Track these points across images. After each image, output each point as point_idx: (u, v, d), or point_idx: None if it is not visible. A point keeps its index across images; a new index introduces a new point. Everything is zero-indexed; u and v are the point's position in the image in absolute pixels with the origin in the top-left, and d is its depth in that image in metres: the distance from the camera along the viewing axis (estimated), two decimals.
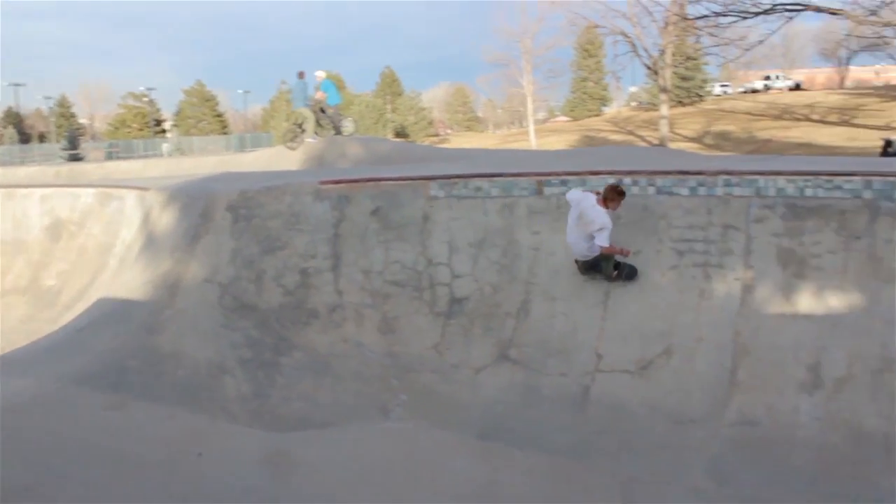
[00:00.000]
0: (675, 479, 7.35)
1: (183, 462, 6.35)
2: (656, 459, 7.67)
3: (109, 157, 56.56)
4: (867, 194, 8.30)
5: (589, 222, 8.77)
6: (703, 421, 8.11)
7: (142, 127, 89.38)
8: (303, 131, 21.23)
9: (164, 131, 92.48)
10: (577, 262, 9.30)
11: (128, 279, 9.80)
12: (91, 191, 13.27)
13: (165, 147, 68.37)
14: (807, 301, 8.31)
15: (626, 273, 9.09)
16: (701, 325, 8.69)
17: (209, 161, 23.68)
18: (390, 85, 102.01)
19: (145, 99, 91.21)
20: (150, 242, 10.33)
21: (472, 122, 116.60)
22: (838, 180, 8.45)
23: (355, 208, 10.48)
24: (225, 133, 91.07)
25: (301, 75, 21.75)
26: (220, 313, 9.15)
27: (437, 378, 9.15)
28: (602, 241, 8.72)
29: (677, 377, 8.53)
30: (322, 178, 10.82)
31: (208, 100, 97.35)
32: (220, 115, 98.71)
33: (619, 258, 9.04)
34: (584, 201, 8.89)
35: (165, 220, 10.45)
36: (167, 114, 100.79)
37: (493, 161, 15.53)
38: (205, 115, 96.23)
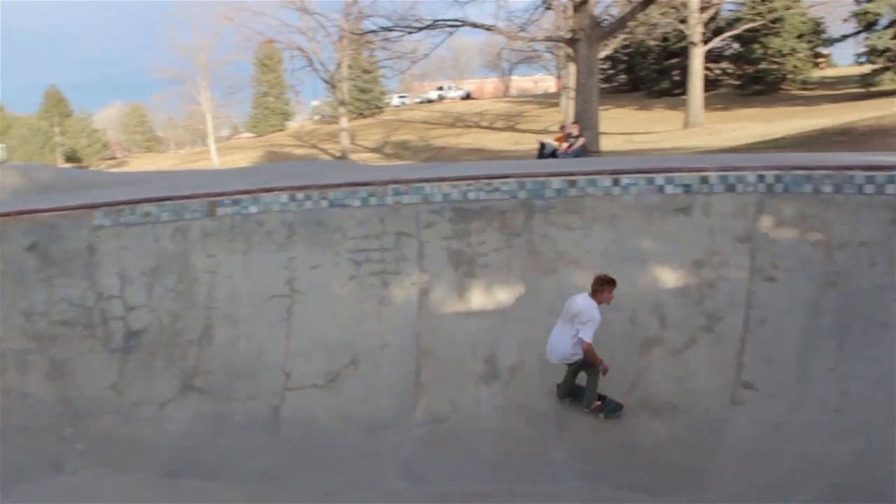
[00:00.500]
0: (371, 486, 7.45)
1: None
2: (351, 469, 7.72)
3: None
4: (522, 194, 8.95)
5: (576, 313, 7.81)
6: (394, 425, 8.30)
7: None
8: None
9: None
10: (558, 386, 8.26)
11: None
12: None
13: None
14: (479, 298, 8.80)
15: (610, 407, 8.04)
16: (384, 332, 8.89)
17: None
18: (57, 105, 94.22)
19: None
20: None
21: (153, 143, 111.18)
22: (496, 183, 9.03)
23: (8, 245, 9.49)
24: None
25: None
26: None
27: (117, 419, 8.53)
28: (586, 334, 7.68)
29: (366, 385, 8.66)
30: None
31: None
32: None
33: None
34: (574, 298, 7.96)
35: None
36: None
37: (166, 183, 14.80)
38: None
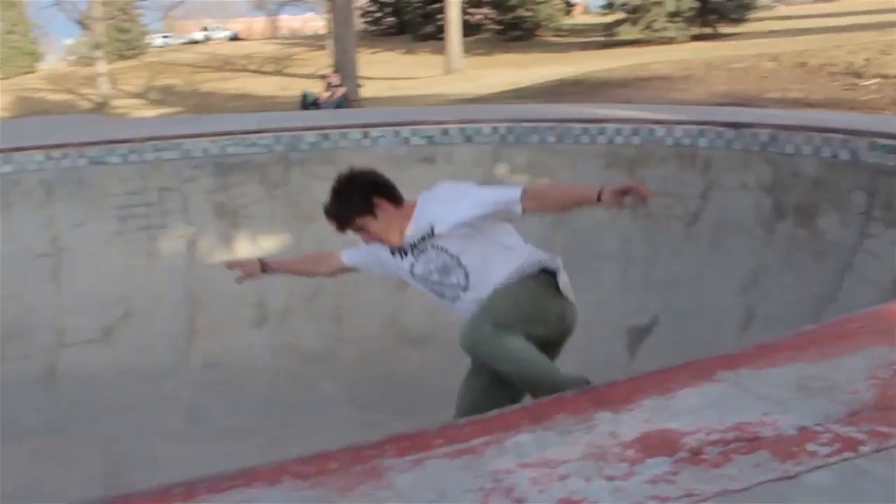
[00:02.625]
0: (155, 430, 7.92)
1: None
2: (135, 416, 8.10)
3: None
4: (279, 148, 9.49)
5: None
6: (172, 372, 8.72)
7: None
8: None
9: None
10: None
11: None
12: None
13: None
14: (244, 247, 9.29)
15: None
16: (155, 284, 9.21)
17: None
18: None
19: None
20: None
21: None
22: (254, 137, 9.51)
23: None
24: None
25: None
26: None
27: None
28: None
29: (141, 337, 8.98)
30: None
31: None
32: None
33: None
34: None
35: None
36: None
37: None
38: None
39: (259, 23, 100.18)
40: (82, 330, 9.03)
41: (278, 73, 48.41)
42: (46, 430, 7.98)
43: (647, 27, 40.64)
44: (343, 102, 19.16)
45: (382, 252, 4.27)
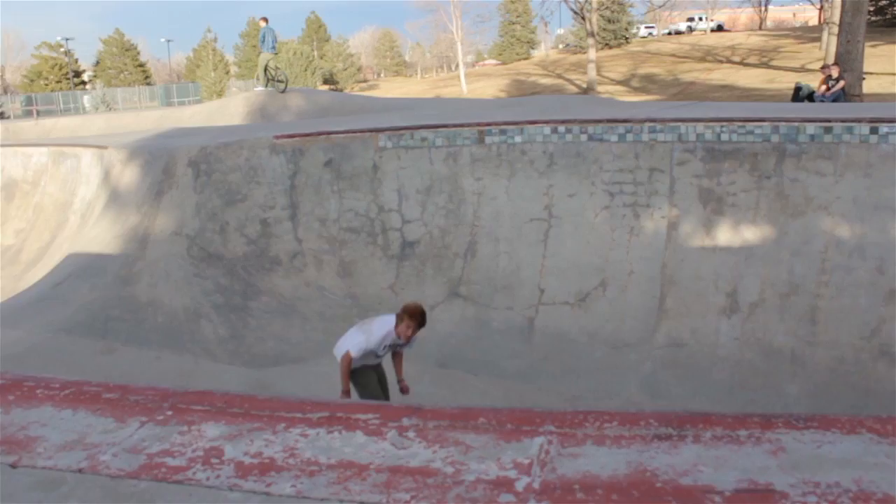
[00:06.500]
0: (614, 395, 8.37)
1: None
2: (596, 379, 8.65)
3: (28, 113, 53.55)
4: (775, 138, 9.25)
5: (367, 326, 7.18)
6: (636, 344, 9.10)
7: (59, 79, 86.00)
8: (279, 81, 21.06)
9: (83, 83, 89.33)
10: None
11: (96, 234, 10.29)
12: (44, 150, 13.55)
13: (87, 99, 65.65)
14: (725, 235, 9.29)
15: None
16: (632, 260, 9.63)
17: (150, 116, 23.72)
18: (316, 31, 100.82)
19: (62, 49, 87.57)
20: (115, 199, 10.79)
21: (401, 67, 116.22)
22: (750, 126, 9.38)
23: (309, 160, 11.09)
24: (148, 83, 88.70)
25: (265, 20, 21.45)
26: (190, 263, 9.74)
27: None
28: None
29: (612, 307, 9.48)
30: (276, 133, 11.38)
31: (128, 49, 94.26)
32: (142, 65, 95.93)
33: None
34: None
35: (128, 176, 10.91)
36: (86, 65, 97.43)
37: (433, 111, 16.16)
38: (126, 66, 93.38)
39: (745, 14, 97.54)
40: (560, 292, 9.78)
41: (763, 65, 46.72)
42: (520, 375, 8.84)
43: None
44: (841, 96, 17.99)
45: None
